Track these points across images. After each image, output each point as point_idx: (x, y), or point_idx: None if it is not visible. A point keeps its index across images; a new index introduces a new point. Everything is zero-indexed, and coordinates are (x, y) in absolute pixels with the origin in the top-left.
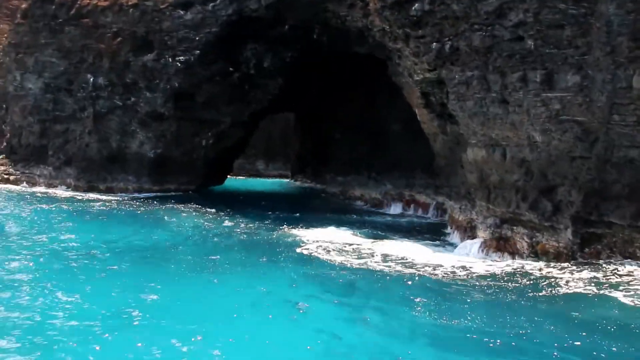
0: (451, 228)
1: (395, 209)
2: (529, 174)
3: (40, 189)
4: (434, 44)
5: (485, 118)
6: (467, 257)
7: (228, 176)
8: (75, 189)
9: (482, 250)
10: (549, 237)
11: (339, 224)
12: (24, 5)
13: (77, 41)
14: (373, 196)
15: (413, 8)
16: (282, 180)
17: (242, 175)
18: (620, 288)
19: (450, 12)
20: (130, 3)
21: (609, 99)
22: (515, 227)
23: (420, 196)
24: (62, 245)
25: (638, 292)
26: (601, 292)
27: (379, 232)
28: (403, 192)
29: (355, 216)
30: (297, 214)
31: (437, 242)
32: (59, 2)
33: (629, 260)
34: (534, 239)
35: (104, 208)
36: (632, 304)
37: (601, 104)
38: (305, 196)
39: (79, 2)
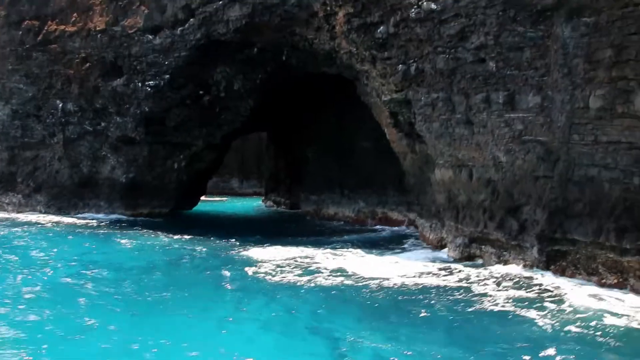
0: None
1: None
2: (495, 194)
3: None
4: (400, 65)
5: (452, 139)
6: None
7: (202, 198)
8: (46, 215)
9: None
10: (515, 255)
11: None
12: None
13: (45, 67)
14: (347, 214)
15: (378, 31)
16: (256, 200)
17: (217, 194)
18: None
19: (414, 35)
20: (98, 28)
21: (568, 119)
22: (483, 246)
23: (392, 213)
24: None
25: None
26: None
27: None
28: (376, 209)
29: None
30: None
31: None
32: (25, 27)
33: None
34: (501, 258)
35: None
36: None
37: (561, 124)
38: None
39: (46, 28)
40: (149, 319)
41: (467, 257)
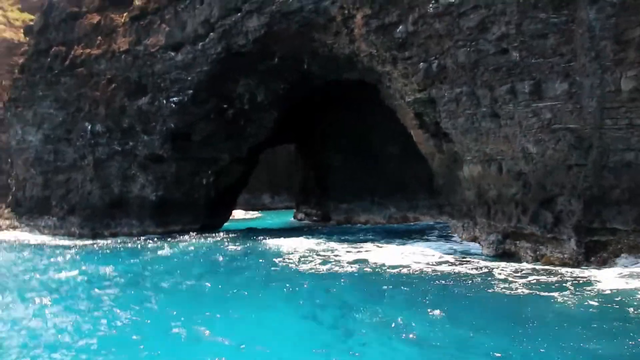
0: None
1: None
2: (527, 186)
3: (45, 238)
4: (421, 64)
5: (478, 133)
6: None
7: (235, 214)
8: (80, 237)
9: None
10: (552, 249)
11: None
12: (21, 60)
13: (72, 91)
14: (377, 221)
15: (397, 30)
16: (289, 213)
17: (248, 210)
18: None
19: (434, 31)
20: (122, 49)
21: (599, 104)
22: (518, 242)
23: (424, 217)
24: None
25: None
26: None
27: None
28: (407, 214)
29: None
30: None
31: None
32: (53, 54)
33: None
34: (537, 252)
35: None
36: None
37: (592, 109)
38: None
39: (72, 53)
40: None
41: (502, 254)
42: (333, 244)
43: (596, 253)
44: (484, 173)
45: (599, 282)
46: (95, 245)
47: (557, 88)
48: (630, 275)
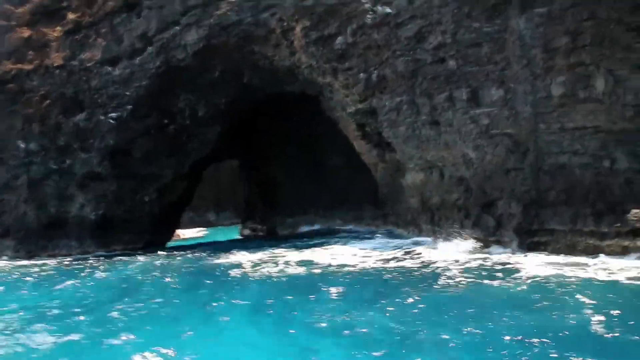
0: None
1: None
2: (469, 191)
3: None
4: (361, 74)
5: (419, 141)
6: None
7: (181, 233)
8: (15, 260)
9: None
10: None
11: None
12: None
13: (4, 108)
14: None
15: (337, 42)
16: (235, 229)
17: (193, 228)
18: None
19: (373, 41)
20: (56, 64)
21: (533, 109)
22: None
23: (370, 228)
24: None
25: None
26: None
27: None
28: (354, 225)
29: None
30: None
31: None
32: None
33: None
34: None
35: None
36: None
37: (526, 114)
38: None
39: (1, 68)
40: None
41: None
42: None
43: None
44: (426, 180)
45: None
46: (32, 268)
47: (493, 95)
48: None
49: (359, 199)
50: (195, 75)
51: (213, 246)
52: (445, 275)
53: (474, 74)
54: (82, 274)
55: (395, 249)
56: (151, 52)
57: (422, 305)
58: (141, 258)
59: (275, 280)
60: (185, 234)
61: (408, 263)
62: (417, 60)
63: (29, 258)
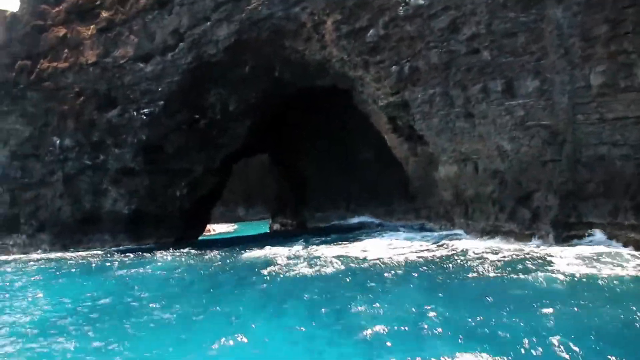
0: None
1: None
2: (504, 184)
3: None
4: (393, 67)
5: (453, 133)
6: None
7: (212, 228)
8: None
9: None
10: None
11: None
12: None
13: (40, 105)
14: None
15: (368, 34)
16: (264, 224)
17: (223, 223)
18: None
19: (405, 33)
20: (90, 62)
21: (570, 100)
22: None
23: (401, 222)
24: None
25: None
26: None
27: None
28: (385, 220)
29: None
30: None
31: None
32: (18, 68)
33: None
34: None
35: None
36: None
37: (563, 105)
38: None
39: (38, 67)
40: None
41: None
42: (313, 246)
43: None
44: (460, 173)
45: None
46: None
47: (529, 85)
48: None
49: (390, 192)
50: (226, 70)
51: (244, 241)
52: (479, 267)
53: (509, 65)
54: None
55: (428, 241)
56: (183, 48)
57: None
58: (182, 252)
59: (321, 275)
60: (215, 228)
61: (442, 255)
62: (451, 51)
63: (63, 251)
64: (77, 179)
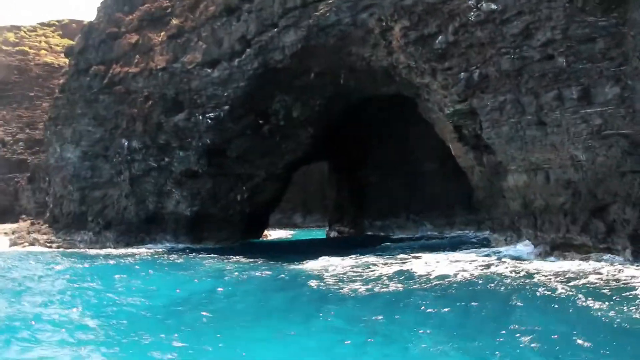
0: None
1: None
2: (577, 195)
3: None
4: (462, 74)
5: (523, 142)
6: None
7: (270, 233)
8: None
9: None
10: (605, 260)
11: None
12: (61, 80)
13: (110, 108)
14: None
15: (437, 41)
16: (321, 231)
17: (281, 228)
18: None
19: (475, 39)
20: (159, 67)
21: None
22: (567, 253)
23: (462, 233)
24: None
25: None
26: None
27: None
28: (444, 231)
29: None
30: None
31: None
32: (92, 73)
33: None
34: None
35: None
36: None
37: None
38: None
39: (111, 71)
40: None
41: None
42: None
43: None
44: (530, 182)
45: None
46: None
47: (608, 93)
48: None
49: (451, 203)
50: (291, 77)
51: (301, 247)
52: (548, 290)
53: (586, 71)
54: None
55: (491, 257)
56: (249, 54)
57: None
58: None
59: (377, 294)
60: (272, 234)
61: (508, 273)
62: (524, 57)
63: (127, 249)
64: (142, 180)
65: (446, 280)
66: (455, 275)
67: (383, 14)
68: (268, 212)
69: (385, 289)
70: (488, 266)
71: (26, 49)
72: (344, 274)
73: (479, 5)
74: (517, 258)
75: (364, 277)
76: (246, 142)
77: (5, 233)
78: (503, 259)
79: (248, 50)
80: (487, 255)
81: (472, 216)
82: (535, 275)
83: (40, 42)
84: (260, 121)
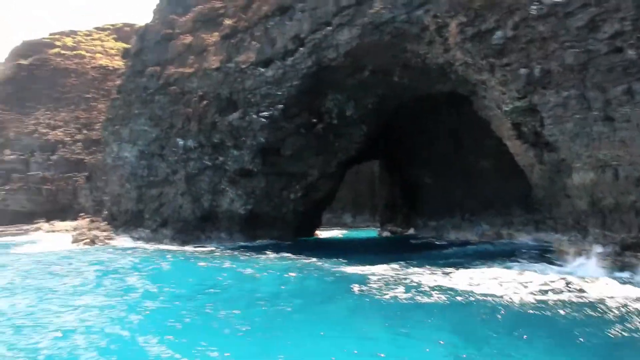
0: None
1: None
2: None
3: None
4: (522, 69)
5: (590, 138)
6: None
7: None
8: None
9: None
10: None
11: None
12: (118, 82)
13: (166, 108)
14: (469, 237)
15: (495, 36)
16: (371, 231)
17: (330, 228)
18: None
19: (537, 34)
20: (213, 67)
21: None
22: (639, 253)
23: (520, 234)
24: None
25: None
26: None
27: None
28: (500, 231)
29: None
30: None
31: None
32: (148, 74)
33: None
34: None
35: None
36: None
37: None
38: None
39: (166, 72)
40: None
41: (620, 268)
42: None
43: None
44: (598, 180)
45: None
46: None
47: None
48: None
49: (508, 202)
50: (345, 75)
51: (349, 247)
52: (622, 329)
53: None
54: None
55: (550, 274)
56: (303, 53)
57: None
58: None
59: (416, 304)
60: (322, 233)
61: (570, 299)
62: (589, 51)
63: (183, 246)
64: (197, 178)
65: (489, 303)
66: (502, 297)
67: (439, 10)
68: (321, 211)
69: (422, 301)
70: (545, 291)
71: (83, 52)
72: (383, 280)
73: None
74: (582, 277)
75: (402, 286)
76: (300, 140)
77: (66, 230)
78: (564, 278)
79: (301, 49)
80: (545, 272)
81: (530, 215)
82: (604, 305)
83: (95, 45)
84: (314, 120)
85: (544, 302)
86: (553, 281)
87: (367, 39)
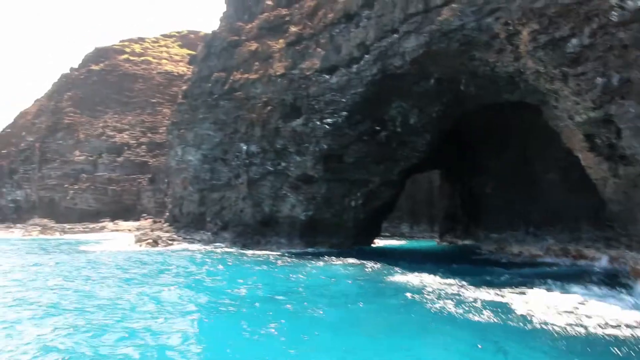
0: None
1: None
2: None
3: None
4: (598, 78)
5: None
6: None
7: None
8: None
9: None
10: None
11: None
12: (184, 87)
13: (230, 113)
14: (533, 252)
15: (569, 44)
16: (429, 242)
17: (387, 237)
18: None
19: (617, 41)
20: (278, 73)
21: None
22: None
23: (588, 250)
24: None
25: None
26: None
27: None
28: (567, 246)
29: None
30: None
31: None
32: (214, 79)
33: None
34: None
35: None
36: None
37: None
38: None
39: (232, 78)
40: None
41: None
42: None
43: None
44: None
45: None
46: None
47: None
48: None
49: (576, 217)
50: (410, 83)
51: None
52: None
53: None
54: None
55: (623, 301)
56: (368, 60)
57: None
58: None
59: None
60: (379, 242)
61: None
62: None
63: (242, 250)
64: (259, 183)
65: (546, 332)
66: (565, 329)
67: (510, 17)
68: (380, 220)
69: (471, 319)
70: (617, 325)
71: (150, 58)
72: (435, 293)
73: (623, 4)
74: None
75: (453, 303)
76: (362, 148)
77: (129, 230)
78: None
79: (367, 56)
80: (617, 299)
81: (600, 232)
82: None
83: (162, 52)
84: (377, 127)
85: (612, 339)
86: (626, 312)
87: (435, 46)
